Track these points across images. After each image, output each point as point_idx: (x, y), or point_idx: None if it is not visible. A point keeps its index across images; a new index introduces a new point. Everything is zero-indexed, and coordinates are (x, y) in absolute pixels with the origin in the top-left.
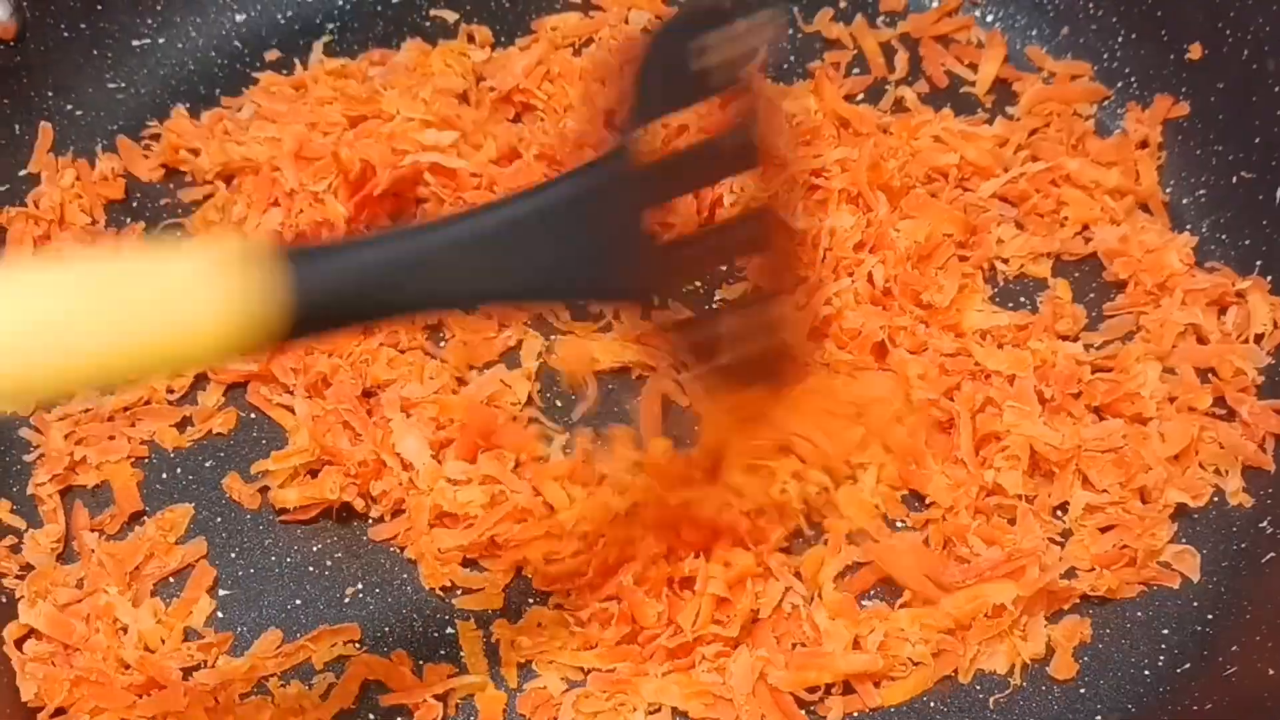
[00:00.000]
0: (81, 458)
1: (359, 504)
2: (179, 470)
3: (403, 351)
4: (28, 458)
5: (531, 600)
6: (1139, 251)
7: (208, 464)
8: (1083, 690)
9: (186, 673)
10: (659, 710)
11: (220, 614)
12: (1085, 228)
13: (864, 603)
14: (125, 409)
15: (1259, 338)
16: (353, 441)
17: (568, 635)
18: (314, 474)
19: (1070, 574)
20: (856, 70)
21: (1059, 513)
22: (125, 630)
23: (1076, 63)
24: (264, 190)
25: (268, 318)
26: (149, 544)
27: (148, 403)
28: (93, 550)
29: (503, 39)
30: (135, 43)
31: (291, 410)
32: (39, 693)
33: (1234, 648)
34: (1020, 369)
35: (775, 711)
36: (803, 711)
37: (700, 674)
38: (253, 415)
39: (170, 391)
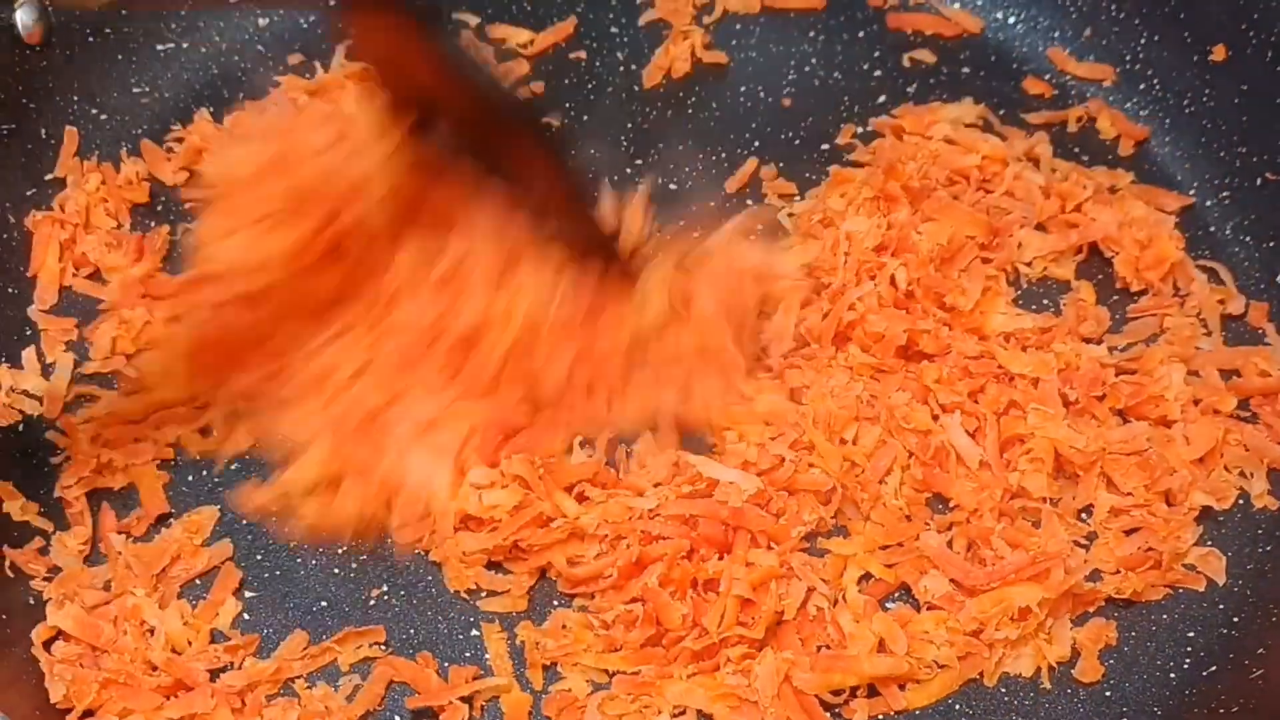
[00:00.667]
0: (108, 460)
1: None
2: (204, 473)
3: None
4: (55, 460)
5: (556, 603)
6: (1135, 248)
7: (233, 466)
8: (1108, 693)
9: (213, 674)
10: (684, 713)
11: (246, 616)
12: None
13: (888, 605)
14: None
15: None
16: (373, 451)
17: (592, 637)
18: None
19: (1095, 577)
20: None
21: (1083, 515)
22: (152, 632)
23: (1099, 65)
24: None
25: None
26: (175, 546)
27: (171, 408)
28: (119, 552)
29: None
30: (159, 47)
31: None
32: (68, 694)
33: (1260, 650)
34: (1044, 372)
35: (800, 714)
36: (827, 714)
37: (725, 676)
38: None
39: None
